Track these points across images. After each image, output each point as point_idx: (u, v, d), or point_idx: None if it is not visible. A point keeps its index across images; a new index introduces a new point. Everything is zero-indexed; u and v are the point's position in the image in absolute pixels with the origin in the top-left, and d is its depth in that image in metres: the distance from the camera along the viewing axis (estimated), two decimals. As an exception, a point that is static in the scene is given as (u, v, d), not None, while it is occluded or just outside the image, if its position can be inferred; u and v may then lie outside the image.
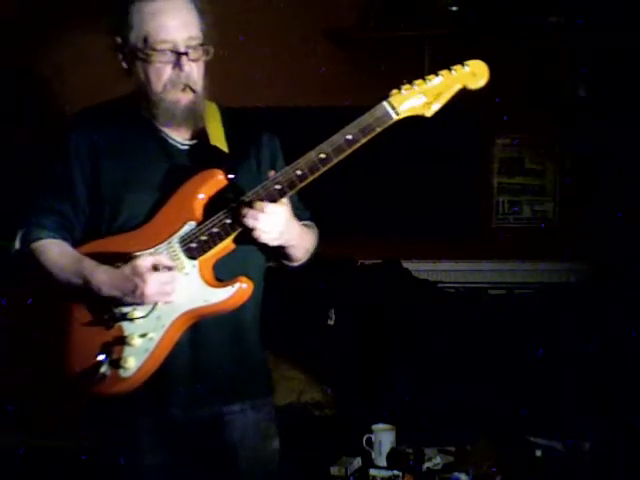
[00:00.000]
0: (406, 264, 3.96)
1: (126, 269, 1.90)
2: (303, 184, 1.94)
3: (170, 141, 2.06)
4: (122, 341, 1.93)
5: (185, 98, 1.99)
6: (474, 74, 1.98)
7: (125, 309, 1.93)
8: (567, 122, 4.07)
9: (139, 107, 2.04)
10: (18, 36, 3.84)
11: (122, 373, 1.93)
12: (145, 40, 1.95)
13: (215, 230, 1.94)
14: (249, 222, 1.90)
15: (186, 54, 1.96)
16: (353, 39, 4.07)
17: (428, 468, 3.05)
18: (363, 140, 1.93)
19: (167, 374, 1.98)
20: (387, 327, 3.63)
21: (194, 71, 1.99)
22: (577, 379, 3.37)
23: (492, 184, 4.22)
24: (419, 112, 1.97)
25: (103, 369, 1.91)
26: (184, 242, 1.95)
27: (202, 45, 1.99)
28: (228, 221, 1.94)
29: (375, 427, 3.15)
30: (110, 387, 1.93)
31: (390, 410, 3.32)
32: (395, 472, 3.01)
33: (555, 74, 4.03)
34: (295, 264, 2.13)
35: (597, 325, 3.47)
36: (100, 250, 1.98)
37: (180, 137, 2.07)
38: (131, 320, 1.93)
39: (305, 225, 2.14)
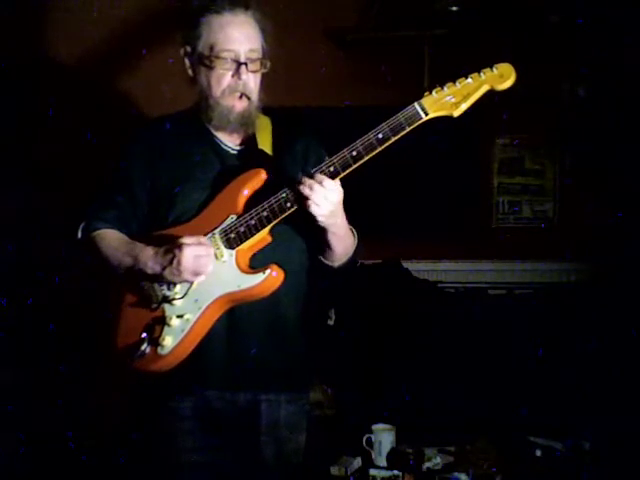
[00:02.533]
0: (406, 264, 3.96)
1: (169, 245, 2.08)
2: (336, 179, 2.07)
3: (223, 146, 2.25)
4: (162, 321, 2.11)
5: (240, 105, 2.19)
6: (501, 75, 2.08)
7: (168, 292, 2.11)
8: (567, 122, 4.06)
9: (199, 115, 2.24)
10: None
11: (159, 351, 2.08)
12: (211, 48, 2.16)
13: (252, 222, 2.10)
14: (306, 190, 2.03)
15: (245, 64, 2.16)
16: (353, 39, 4.07)
17: (428, 468, 3.05)
18: (393, 138, 2.04)
19: (206, 359, 2.14)
20: (387, 327, 3.63)
21: (251, 81, 2.19)
22: (577, 379, 3.37)
23: (492, 184, 4.22)
24: (447, 112, 2.07)
25: (144, 346, 2.07)
26: (224, 233, 2.13)
27: (261, 59, 2.21)
28: (265, 214, 2.09)
29: (375, 427, 3.15)
30: (149, 364, 2.09)
31: (390, 410, 3.32)
32: (395, 472, 3.02)
33: (555, 74, 4.03)
34: (333, 264, 2.25)
35: (597, 325, 3.47)
36: (153, 240, 2.15)
37: (232, 142, 2.26)
38: (171, 302, 2.10)
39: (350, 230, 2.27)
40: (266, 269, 2.08)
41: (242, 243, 2.12)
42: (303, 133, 2.34)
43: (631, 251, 3.71)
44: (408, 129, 2.05)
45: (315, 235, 2.17)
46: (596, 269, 3.87)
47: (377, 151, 2.05)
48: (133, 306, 2.16)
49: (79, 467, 3.29)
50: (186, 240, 2.06)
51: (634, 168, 3.88)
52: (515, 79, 2.08)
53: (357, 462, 3.13)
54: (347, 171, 2.06)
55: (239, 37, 2.17)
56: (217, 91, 2.17)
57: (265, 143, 2.24)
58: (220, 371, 2.16)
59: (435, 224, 4.12)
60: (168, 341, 2.08)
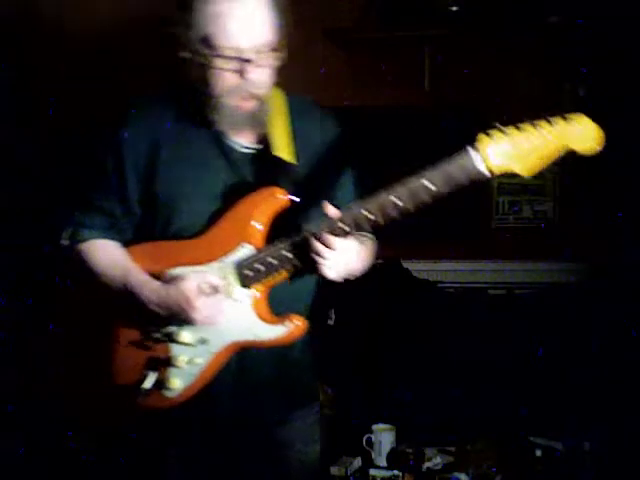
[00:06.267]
0: (406, 264, 3.96)
1: (172, 291, 1.80)
2: (372, 226, 1.78)
3: (231, 144, 1.89)
4: (168, 361, 1.87)
5: (247, 105, 1.81)
6: (582, 134, 1.70)
7: (171, 329, 1.86)
8: (567, 122, 4.06)
9: (198, 103, 1.84)
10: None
11: (166, 393, 1.88)
12: (205, 43, 1.74)
13: (273, 262, 1.79)
14: (315, 258, 1.75)
15: (251, 61, 1.75)
16: (353, 39, 4.07)
17: (428, 468, 3.05)
18: (446, 192, 1.76)
19: (213, 392, 1.92)
20: (387, 327, 3.63)
21: (260, 78, 1.79)
22: (577, 379, 3.37)
23: (492, 184, 4.22)
24: (514, 170, 1.72)
25: (148, 385, 1.87)
26: (239, 268, 1.82)
27: (273, 49, 1.78)
28: (287, 254, 1.78)
29: (375, 427, 3.15)
30: (153, 403, 1.90)
31: (390, 410, 3.32)
32: (395, 472, 3.02)
33: (555, 74, 4.03)
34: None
35: (597, 325, 3.47)
36: (150, 255, 1.90)
37: (241, 140, 1.90)
38: (178, 342, 1.86)
39: (367, 241, 2.00)
40: (287, 321, 1.82)
41: (260, 282, 1.81)
42: (328, 127, 1.98)
43: (631, 251, 3.71)
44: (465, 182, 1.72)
45: None
46: (596, 269, 3.87)
47: (426, 203, 1.73)
48: (131, 337, 1.90)
49: (79, 467, 3.29)
50: (193, 286, 1.76)
51: (634, 168, 3.88)
52: (600, 141, 1.65)
53: (357, 462, 3.13)
54: (387, 221, 1.76)
55: (242, 30, 1.72)
56: (218, 90, 1.78)
57: (283, 141, 1.86)
58: (231, 404, 1.95)
59: (435, 224, 4.11)
60: (176, 384, 1.86)
